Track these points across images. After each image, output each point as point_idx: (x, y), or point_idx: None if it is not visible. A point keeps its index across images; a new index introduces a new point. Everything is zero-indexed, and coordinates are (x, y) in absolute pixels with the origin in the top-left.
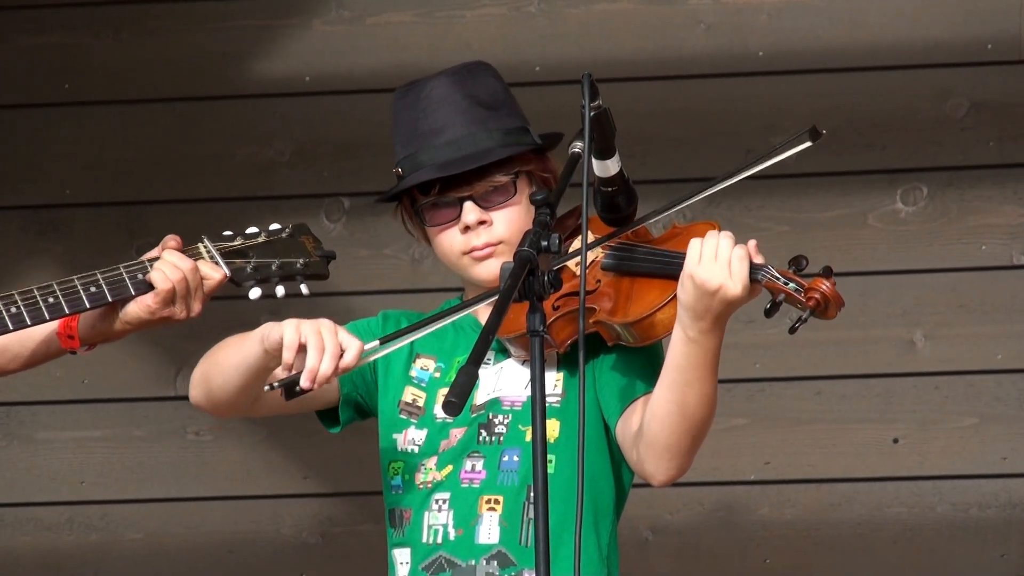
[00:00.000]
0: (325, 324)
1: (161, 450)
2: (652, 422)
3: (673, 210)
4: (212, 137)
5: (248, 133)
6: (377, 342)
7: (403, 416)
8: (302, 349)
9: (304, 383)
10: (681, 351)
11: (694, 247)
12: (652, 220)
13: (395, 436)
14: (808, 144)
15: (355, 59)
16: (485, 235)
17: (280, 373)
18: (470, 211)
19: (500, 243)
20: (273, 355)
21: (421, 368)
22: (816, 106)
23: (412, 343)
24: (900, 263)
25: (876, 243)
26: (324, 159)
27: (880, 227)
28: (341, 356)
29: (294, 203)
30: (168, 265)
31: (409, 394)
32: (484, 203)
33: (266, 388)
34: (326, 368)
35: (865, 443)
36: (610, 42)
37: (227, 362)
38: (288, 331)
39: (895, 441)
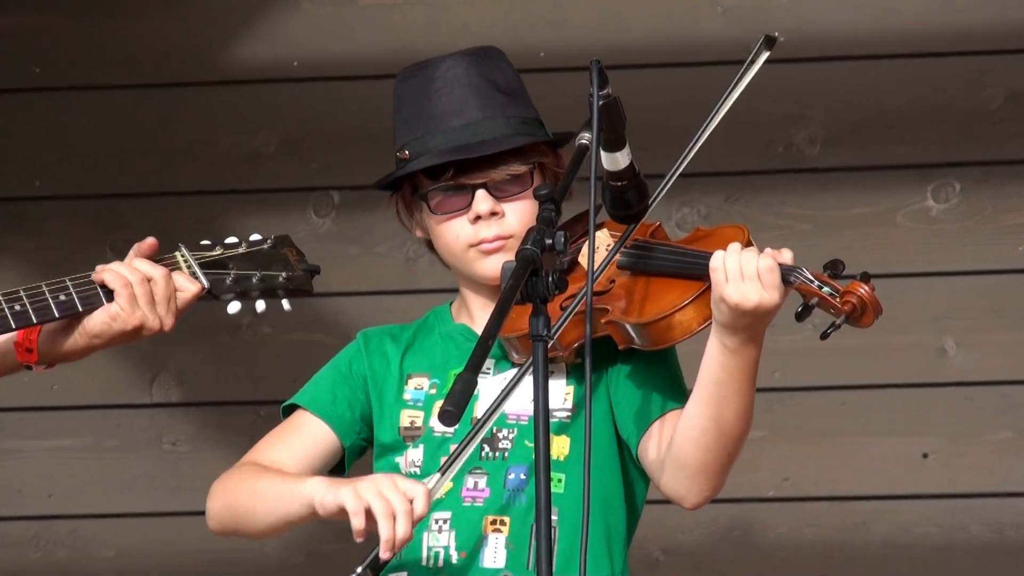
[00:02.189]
0: (381, 480)
1: (135, 461)
2: (685, 442)
3: (665, 186)
4: (193, 126)
5: (231, 122)
6: (438, 475)
7: (406, 443)
8: (367, 512)
9: (385, 554)
10: (719, 364)
11: (718, 271)
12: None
13: (397, 460)
14: (766, 55)
15: (347, 43)
16: (496, 227)
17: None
18: (483, 200)
19: (511, 237)
20: (328, 518)
21: (415, 388)
22: (841, 96)
23: (402, 364)
24: (931, 265)
25: (905, 243)
26: (312, 150)
27: (909, 226)
28: (411, 511)
29: (280, 197)
30: (122, 266)
31: (406, 418)
32: (498, 193)
33: None
34: (403, 533)
35: (892, 458)
36: (620, 26)
37: (262, 511)
38: (349, 499)
39: (925, 456)
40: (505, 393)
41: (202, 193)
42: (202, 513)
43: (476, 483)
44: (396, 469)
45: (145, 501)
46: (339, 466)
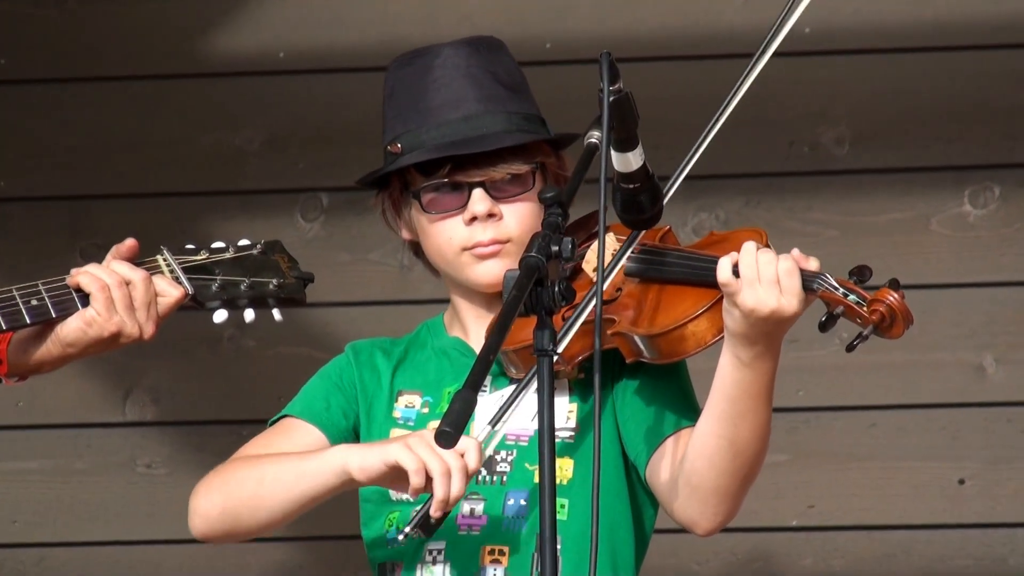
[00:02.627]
0: (429, 437)
1: (107, 485)
2: (698, 461)
3: (677, 182)
4: (171, 122)
5: (212, 118)
6: (488, 426)
7: None
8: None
9: (437, 513)
10: (733, 378)
11: (730, 285)
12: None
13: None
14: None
15: (338, 33)
16: (492, 230)
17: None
18: (480, 200)
19: (508, 241)
20: (367, 483)
21: (406, 406)
22: (872, 91)
23: (393, 380)
24: (968, 275)
25: (940, 251)
26: (300, 148)
27: (945, 233)
28: (466, 468)
29: (265, 199)
30: (98, 268)
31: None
32: (496, 193)
33: (401, 538)
34: (458, 490)
35: (926, 484)
36: (633, 15)
37: (271, 496)
38: (404, 457)
39: (961, 482)
40: (504, 411)
41: (180, 195)
42: (181, 541)
43: (472, 510)
44: (386, 497)
45: (117, 528)
46: None
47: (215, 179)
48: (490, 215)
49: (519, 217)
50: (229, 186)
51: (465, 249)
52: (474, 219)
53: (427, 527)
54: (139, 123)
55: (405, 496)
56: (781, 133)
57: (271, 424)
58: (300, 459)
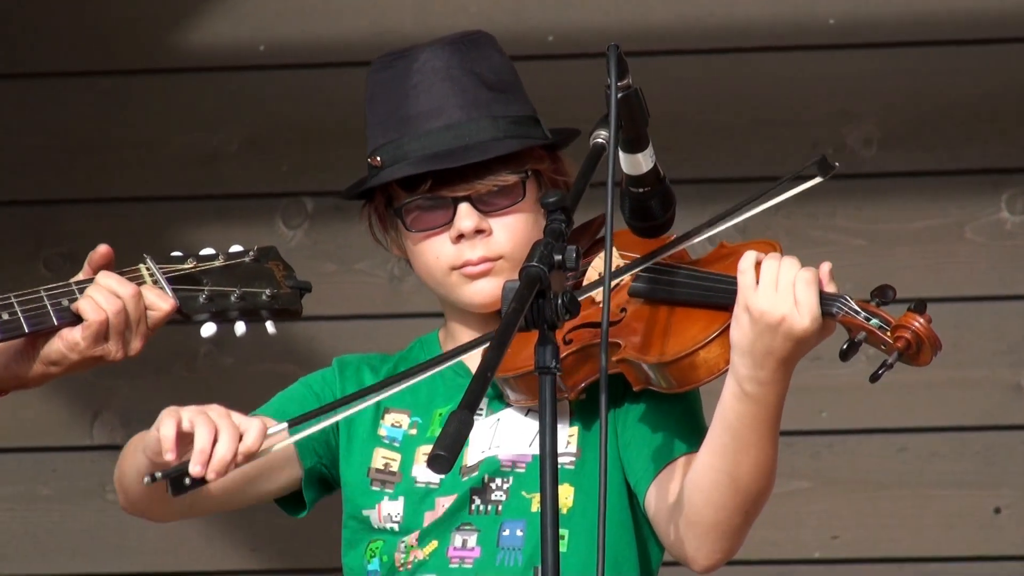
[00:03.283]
0: (213, 408)
1: (74, 513)
2: (695, 495)
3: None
4: (141, 121)
5: (186, 116)
6: (285, 425)
7: (375, 487)
8: (186, 437)
9: (195, 469)
10: (734, 409)
11: (747, 272)
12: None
13: (367, 512)
14: (817, 180)
15: (323, 25)
16: (482, 247)
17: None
18: (466, 215)
19: (500, 258)
20: (154, 453)
21: (392, 425)
22: (900, 89)
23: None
24: (1005, 287)
25: (975, 261)
26: (282, 150)
27: (981, 241)
28: (240, 439)
29: (244, 204)
30: (103, 292)
31: (380, 458)
32: (484, 207)
33: (145, 480)
34: (223, 451)
35: (960, 513)
36: (642, 5)
37: (132, 467)
38: (166, 415)
39: (997, 511)
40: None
41: (152, 200)
42: (154, 574)
43: (465, 541)
44: (367, 524)
45: (85, 560)
46: (296, 500)
47: (190, 183)
48: (478, 231)
49: (510, 232)
50: (205, 190)
51: (454, 268)
52: (461, 236)
53: (178, 484)
54: (107, 122)
55: (390, 525)
56: (803, 133)
57: None
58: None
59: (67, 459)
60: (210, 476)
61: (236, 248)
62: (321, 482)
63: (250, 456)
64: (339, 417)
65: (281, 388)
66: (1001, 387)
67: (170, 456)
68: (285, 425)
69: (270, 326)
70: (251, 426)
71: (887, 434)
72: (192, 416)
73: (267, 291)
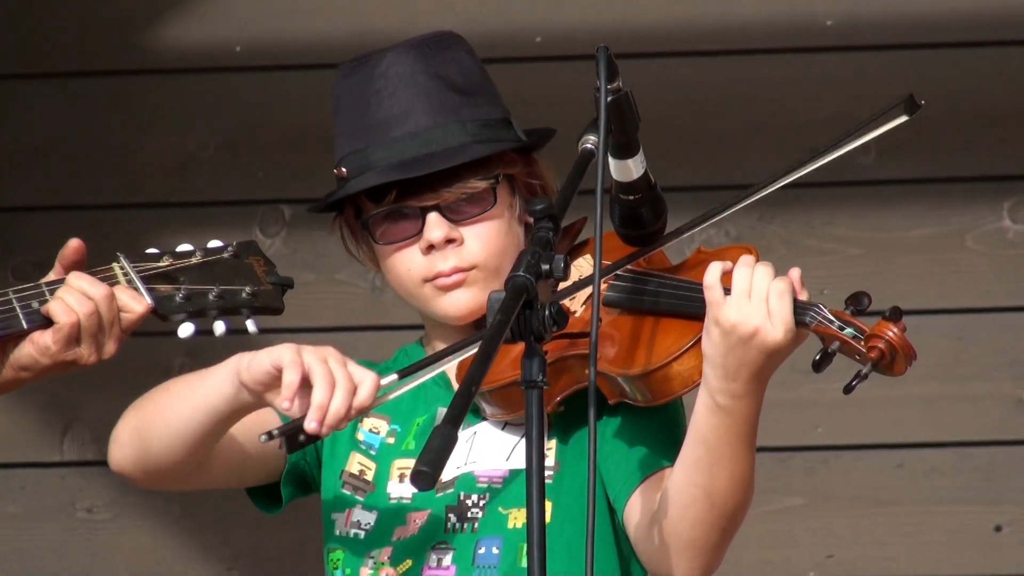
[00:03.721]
0: (331, 351)
1: (43, 531)
2: (671, 510)
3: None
4: (112, 125)
5: (161, 120)
6: (395, 375)
7: (346, 491)
8: (304, 385)
9: (310, 426)
10: (708, 423)
11: (713, 289)
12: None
13: (335, 516)
14: (903, 119)
15: (301, 25)
16: (454, 257)
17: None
18: (435, 225)
19: (473, 268)
20: (255, 394)
21: (370, 430)
22: (900, 92)
23: None
24: (1008, 298)
25: (977, 272)
26: (259, 155)
27: (982, 251)
28: (355, 392)
29: (219, 212)
30: (74, 293)
31: (355, 463)
32: (454, 215)
33: (262, 438)
34: (338, 406)
35: (960, 531)
36: (633, 6)
37: (176, 412)
38: (287, 357)
39: (998, 529)
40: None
41: (124, 206)
42: None
43: (440, 560)
44: (332, 528)
45: None
46: (274, 496)
47: (163, 189)
48: (449, 240)
49: (483, 240)
50: (179, 197)
51: (426, 280)
52: (431, 247)
53: (293, 439)
54: (78, 126)
55: (354, 532)
56: (799, 138)
57: None
58: (205, 370)
59: (36, 475)
60: (324, 432)
61: (215, 243)
62: (300, 481)
63: (363, 411)
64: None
65: None
66: (1003, 401)
67: (287, 405)
68: (395, 376)
69: (251, 324)
70: (366, 379)
71: (884, 450)
72: (311, 362)
73: (247, 288)
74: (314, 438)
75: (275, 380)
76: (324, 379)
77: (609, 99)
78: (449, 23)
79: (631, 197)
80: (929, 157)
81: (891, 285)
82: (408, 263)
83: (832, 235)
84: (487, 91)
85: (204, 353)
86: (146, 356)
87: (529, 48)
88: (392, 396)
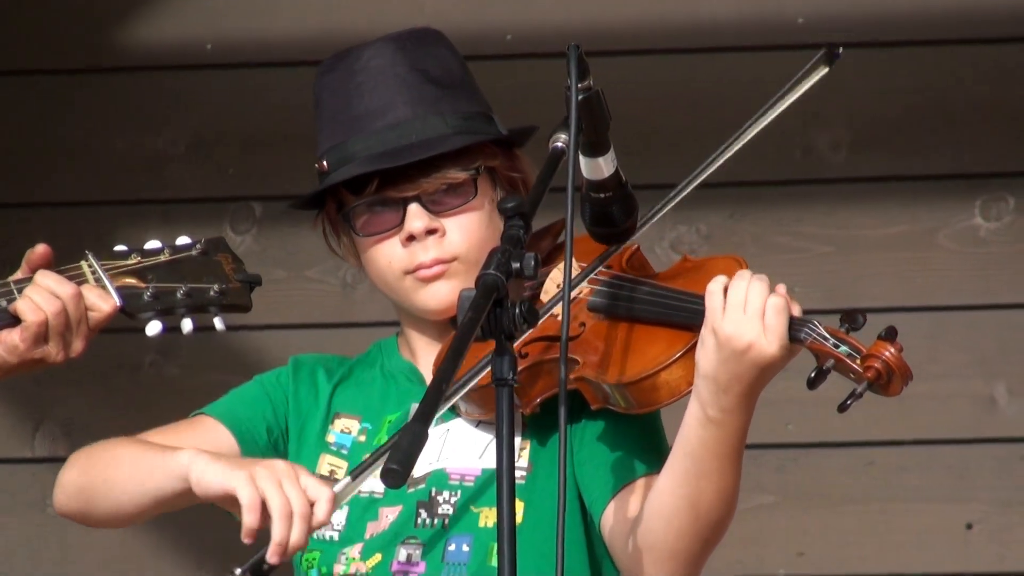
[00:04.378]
0: (283, 470)
1: (14, 528)
2: (654, 520)
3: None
4: (83, 122)
5: (131, 118)
6: (348, 479)
7: None
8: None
9: (273, 559)
10: (697, 435)
11: (715, 295)
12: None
13: None
14: (824, 71)
15: (272, 23)
16: (435, 248)
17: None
18: (416, 216)
19: (454, 259)
20: (206, 501)
21: (341, 431)
22: (871, 90)
23: (331, 400)
24: (979, 296)
25: (948, 269)
26: (230, 152)
27: (953, 248)
28: (312, 513)
29: (189, 209)
30: (41, 292)
31: (325, 465)
32: (434, 206)
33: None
34: (297, 538)
35: (931, 529)
36: (603, 5)
37: (122, 488)
38: (243, 489)
39: (969, 527)
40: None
41: (93, 204)
42: None
43: (410, 556)
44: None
45: (26, 575)
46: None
47: (133, 187)
48: (430, 232)
49: (464, 231)
50: (149, 194)
51: (407, 273)
52: (412, 238)
53: (258, 571)
54: (47, 123)
55: (329, 534)
56: (769, 137)
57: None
58: (159, 452)
59: (7, 471)
60: (281, 560)
61: (183, 240)
62: None
63: (318, 527)
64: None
65: None
66: (974, 399)
67: (248, 542)
68: (347, 480)
69: (218, 322)
70: (321, 496)
71: (855, 448)
72: (266, 491)
73: (215, 286)
74: (276, 566)
75: (227, 498)
76: (281, 513)
77: (580, 97)
78: (419, 20)
79: (602, 195)
80: (900, 155)
81: (862, 283)
82: (389, 255)
83: (802, 233)
84: (467, 86)
85: (174, 351)
86: (117, 353)
87: (499, 46)
88: (348, 498)
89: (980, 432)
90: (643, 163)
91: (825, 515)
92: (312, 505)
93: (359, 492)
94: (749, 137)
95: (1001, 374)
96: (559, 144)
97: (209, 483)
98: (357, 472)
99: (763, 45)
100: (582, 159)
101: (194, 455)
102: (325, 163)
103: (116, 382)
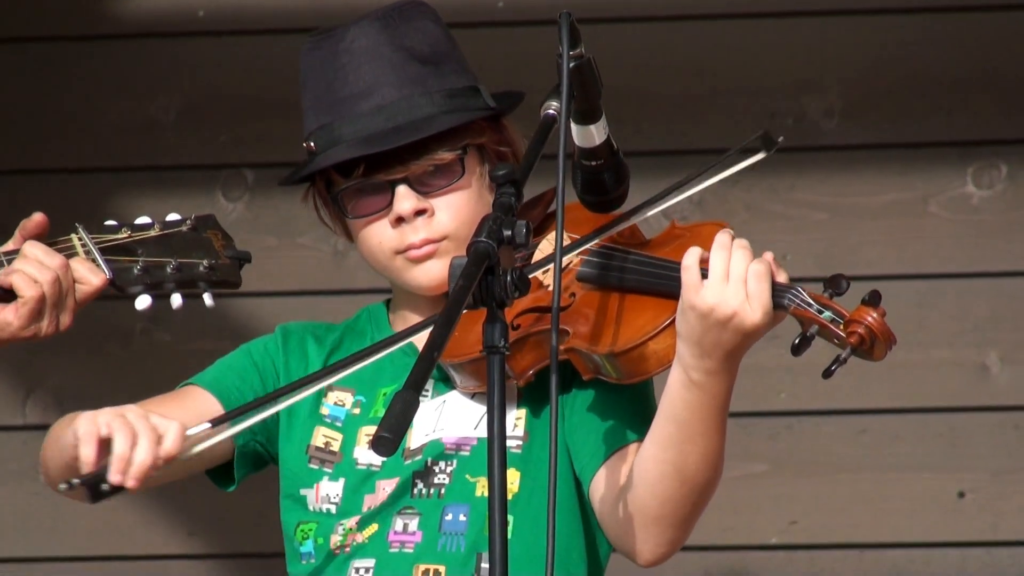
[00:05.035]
0: (131, 409)
1: (6, 497)
2: (640, 486)
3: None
4: (75, 89)
5: (123, 84)
6: (208, 424)
7: (313, 465)
8: (104, 443)
9: (114, 477)
10: (681, 398)
11: (690, 270)
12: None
13: (304, 492)
14: (761, 156)
15: None
16: (424, 229)
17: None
18: (405, 198)
19: (444, 239)
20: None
21: (335, 404)
22: (865, 57)
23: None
24: (971, 263)
25: (940, 237)
26: (222, 119)
27: (946, 216)
28: (160, 442)
29: (182, 176)
30: (33, 264)
31: (320, 436)
32: (423, 187)
33: (61, 487)
34: (142, 456)
35: (923, 498)
36: None
37: (58, 454)
38: (83, 423)
39: (961, 495)
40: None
41: (86, 171)
42: (86, 558)
43: (406, 525)
44: (304, 503)
45: (17, 544)
46: (226, 474)
47: (125, 153)
48: (419, 212)
49: (453, 210)
50: (141, 161)
51: (398, 253)
52: (401, 220)
53: (94, 488)
54: (39, 90)
55: (326, 507)
56: (762, 103)
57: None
58: (72, 421)
59: None
60: (129, 484)
61: (173, 217)
62: (255, 459)
63: (170, 459)
64: (270, 412)
65: None
66: (966, 368)
67: (87, 470)
68: (207, 425)
69: (207, 298)
70: (169, 429)
71: (847, 416)
72: (109, 420)
73: (205, 262)
74: (119, 488)
75: (80, 441)
76: (123, 432)
77: (572, 65)
78: None
79: (593, 163)
80: (893, 122)
81: (854, 250)
82: (379, 236)
83: (795, 200)
84: (454, 59)
85: (164, 319)
86: (108, 321)
87: (491, 13)
88: (205, 444)
89: (973, 401)
90: (635, 131)
91: (817, 484)
92: (161, 437)
93: (357, 465)
94: (676, 200)
95: (994, 342)
96: (550, 112)
97: (67, 441)
98: (218, 419)
99: (754, 12)
100: (574, 127)
101: (87, 413)
102: (312, 144)
103: (107, 349)
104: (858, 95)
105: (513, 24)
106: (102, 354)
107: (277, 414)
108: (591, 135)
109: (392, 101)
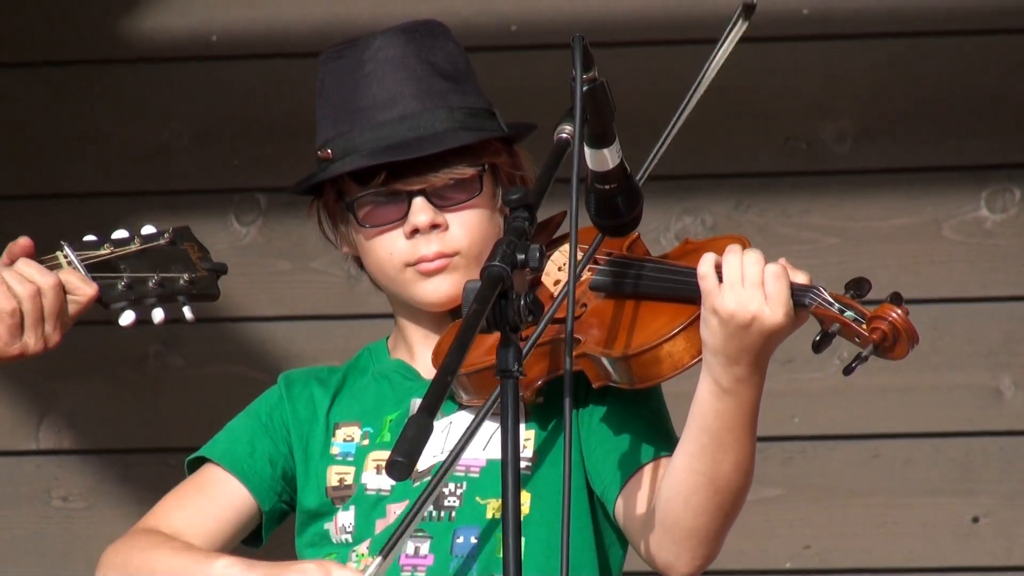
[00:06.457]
0: (312, 572)
1: (19, 520)
2: (672, 500)
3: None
4: (89, 114)
5: (136, 109)
6: (378, 558)
7: (336, 504)
8: None
9: None
10: (712, 408)
11: (707, 277)
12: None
13: (327, 527)
14: (744, 26)
15: (276, 14)
16: (437, 243)
17: None
18: (421, 210)
19: (456, 254)
20: None
21: (344, 440)
22: (876, 82)
23: (329, 412)
24: (984, 288)
25: (954, 261)
26: (234, 144)
27: (959, 240)
28: None
29: (194, 200)
30: (14, 276)
31: (334, 476)
32: (440, 201)
33: None
34: None
35: (937, 522)
36: None
37: None
38: None
39: (975, 520)
40: (463, 442)
41: (98, 195)
42: None
43: (417, 549)
44: (326, 538)
45: (31, 569)
46: (255, 534)
47: (138, 178)
48: (434, 226)
49: (467, 227)
50: (154, 186)
51: (408, 265)
52: (416, 231)
53: None
54: (53, 115)
55: (344, 537)
56: (776, 128)
57: (187, 464)
58: (188, 558)
59: (11, 464)
60: None
61: (149, 230)
62: (280, 516)
63: None
64: (411, 528)
65: (231, 391)
66: (979, 392)
67: None
68: (378, 560)
69: (187, 312)
70: None
71: (861, 440)
72: None
73: (185, 275)
74: None
75: None
76: None
77: (584, 88)
78: (423, 11)
79: (607, 187)
80: (906, 146)
81: (867, 275)
82: (391, 247)
83: (808, 224)
84: (472, 81)
85: (178, 342)
86: (121, 344)
87: (504, 37)
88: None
89: (986, 425)
90: (648, 155)
91: (831, 508)
92: None
93: (367, 491)
94: (692, 104)
95: (1007, 366)
96: (564, 135)
97: None
98: (385, 550)
99: (768, 36)
100: (587, 150)
101: (227, 565)
102: (329, 151)
103: (120, 373)
104: (871, 119)
105: (526, 48)
106: (116, 378)
107: (295, 465)
108: (604, 159)
109: (414, 112)
